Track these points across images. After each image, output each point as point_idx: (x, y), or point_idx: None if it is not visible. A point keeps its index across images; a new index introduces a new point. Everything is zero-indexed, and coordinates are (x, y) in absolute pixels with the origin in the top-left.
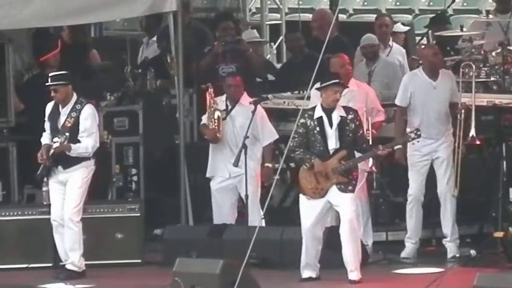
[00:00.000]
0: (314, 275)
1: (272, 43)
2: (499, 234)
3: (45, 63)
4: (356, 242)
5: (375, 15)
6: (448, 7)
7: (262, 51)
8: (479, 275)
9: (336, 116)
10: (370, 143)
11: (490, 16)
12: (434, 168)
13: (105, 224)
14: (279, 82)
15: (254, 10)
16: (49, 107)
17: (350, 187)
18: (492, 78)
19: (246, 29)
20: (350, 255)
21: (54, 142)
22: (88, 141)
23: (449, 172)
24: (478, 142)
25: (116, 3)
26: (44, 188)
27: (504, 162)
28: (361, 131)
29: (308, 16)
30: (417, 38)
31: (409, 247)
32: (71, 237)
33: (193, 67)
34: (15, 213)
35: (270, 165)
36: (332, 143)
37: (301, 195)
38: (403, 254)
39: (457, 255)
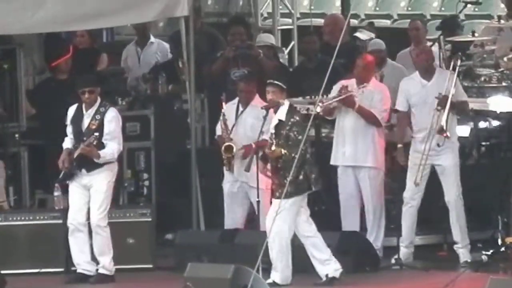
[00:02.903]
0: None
1: (284, 48)
2: (510, 239)
3: (57, 68)
4: (278, 249)
5: (387, 21)
6: (460, 12)
7: (277, 55)
8: (491, 280)
9: (276, 118)
10: None
11: (502, 21)
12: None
13: (116, 229)
14: (291, 86)
15: (265, 15)
16: (71, 111)
17: (279, 192)
18: (504, 84)
19: (257, 34)
20: (273, 259)
21: (83, 141)
22: (112, 145)
23: (452, 180)
24: (446, 135)
25: (128, 8)
26: (56, 193)
27: None
28: (293, 133)
29: (320, 21)
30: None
31: (402, 251)
32: (100, 242)
33: (204, 71)
34: (27, 218)
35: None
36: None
37: None
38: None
39: (469, 260)
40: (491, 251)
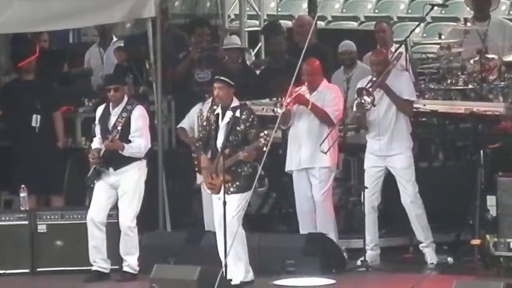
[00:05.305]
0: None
1: (251, 50)
2: (476, 241)
3: (22, 68)
4: (239, 244)
5: (353, 23)
6: (427, 14)
7: (244, 57)
8: (456, 282)
9: (227, 115)
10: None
11: (468, 24)
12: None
13: (82, 230)
14: (258, 87)
15: (233, 17)
16: (99, 110)
17: (233, 187)
18: (470, 86)
19: (225, 35)
20: (234, 259)
21: (107, 138)
22: (140, 141)
23: (406, 181)
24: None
25: (95, 9)
26: (22, 194)
27: (482, 170)
28: (253, 132)
29: (287, 23)
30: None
31: (368, 253)
32: (129, 243)
33: (168, 73)
34: None
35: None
36: (220, 140)
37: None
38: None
39: (435, 262)
40: (457, 253)
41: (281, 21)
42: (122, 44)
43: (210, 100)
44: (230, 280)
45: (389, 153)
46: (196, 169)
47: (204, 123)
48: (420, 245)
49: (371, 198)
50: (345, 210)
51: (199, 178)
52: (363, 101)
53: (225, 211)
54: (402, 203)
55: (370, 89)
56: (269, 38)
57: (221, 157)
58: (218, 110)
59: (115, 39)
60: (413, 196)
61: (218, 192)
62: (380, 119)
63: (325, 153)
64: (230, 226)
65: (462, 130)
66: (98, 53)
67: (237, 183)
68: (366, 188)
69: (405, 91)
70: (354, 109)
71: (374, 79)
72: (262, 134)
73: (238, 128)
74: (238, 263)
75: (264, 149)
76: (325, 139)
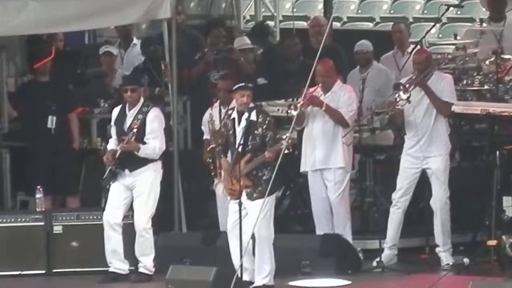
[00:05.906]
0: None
1: None
2: (492, 242)
3: (38, 70)
4: (267, 248)
5: (369, 23)
6: (442, 15)
7: (256, 58)
8: (473, 283)
9: (244, 119)
10: None
11: (484, 24)
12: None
13: (97, 231)
14: (272, 88)
15: (248, 18)
16: (115, 112)
17: (256, 193)
18: (486, 87)
19: (240, 36)
20: (259, 262)
21: (122, 140)
22: (155, 142)
23: (440, 183)
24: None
25: (110, 10)
26: (38, 195)
27: (498, 170)
28: (270, 134)
29: (302, 24)
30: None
31: (385, 252)
32: (144, 244)
33: (184, 75)
34: (8, 220)
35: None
36: (238, 145)
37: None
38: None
39: (451, 263)
40: (473, 254)
41: (296, 22)
42: (109, 49)
43: (217, 103)
44: (247, 281)
45: (428, 155)
46: (213, 173)
47: (222, 129)
48: (437, 249)
49: (403, 198)
50: (361, 211)
51: (215, 181)
52: (398, 96)
53: (240, 214)
54: (431, 204)
55: (407, 86)
56: (284, 40)
57: (243, 162)
58: (234, 115)
59: (135, 40)
60: (443, 201)
61: (238, 198)
62: (420, 120)
63: (348, 145)
64: (259, 230)
65: (478, 131)
66: (118, 53)
67: (259, 188)
68: None
69: (446, 93)
70: (385, 107)
71: (414, 77)
72: (284, 137)
73: (255, 131)
74: (264, 267)
75: (286, 151)
76: (347, 133)
